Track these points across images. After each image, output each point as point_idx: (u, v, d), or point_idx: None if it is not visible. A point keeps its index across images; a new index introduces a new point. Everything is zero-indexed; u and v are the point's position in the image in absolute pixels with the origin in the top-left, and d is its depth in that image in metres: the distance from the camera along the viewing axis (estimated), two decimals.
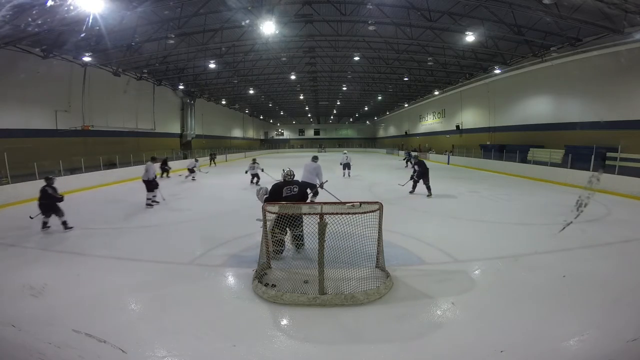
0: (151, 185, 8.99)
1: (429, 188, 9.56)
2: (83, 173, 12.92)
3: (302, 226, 4.38)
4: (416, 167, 10.00)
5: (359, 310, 3.31)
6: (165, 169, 15.28)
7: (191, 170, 15.30)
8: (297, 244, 4.64)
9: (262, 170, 12.92)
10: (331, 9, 13.01)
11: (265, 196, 4.81)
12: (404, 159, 22.06)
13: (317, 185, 7.65)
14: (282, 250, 4.59)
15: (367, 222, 3.73)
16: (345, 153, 15.90)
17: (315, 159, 8.33)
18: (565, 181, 11.85)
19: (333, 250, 3.68)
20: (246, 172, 13.25)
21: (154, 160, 9.76)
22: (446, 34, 14.86)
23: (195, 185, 13.42)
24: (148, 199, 8.99)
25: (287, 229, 4.39)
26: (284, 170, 5.06)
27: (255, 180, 12.88)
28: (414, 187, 10.01)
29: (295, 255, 4.58)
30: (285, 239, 4.61)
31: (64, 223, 6.35)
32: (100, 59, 15.73)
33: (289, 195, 4.74)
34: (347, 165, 15.34)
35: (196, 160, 15.91)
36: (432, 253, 4.90)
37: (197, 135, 28.64)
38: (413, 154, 21.33)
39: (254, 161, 13.11)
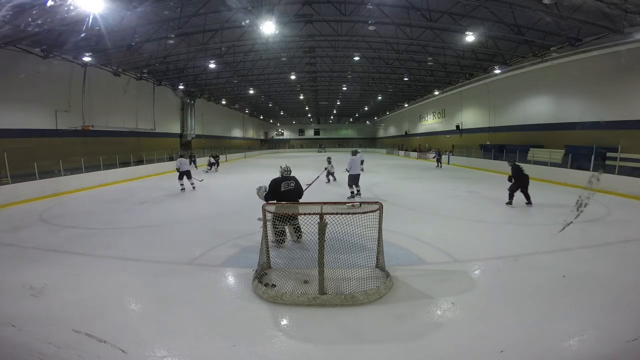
0: (189, 174, 11.49)
1: (527, 196, 7.98)
2: (83, 173, 12.91)
3: (297, 218, 4.79)
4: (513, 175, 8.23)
5: (359, 310, 3.31)
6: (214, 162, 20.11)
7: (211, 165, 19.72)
8: (296, 235, 5.01)
9: (332, 174, 13.01)
10: (331, 9, 13.01)
11: (265, 193, 5.12)
12: (433, 157, 21.99)
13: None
14: (284, 240, 4.95)
15: (367, 222, 3.73)
16: (359, 152, 17.36)
17: (355, 152, 9.67)
18: (565, 181, 11.85)
19: (333, 250, 3.69)
20: (325, 169, 13.24)
21: (182, 156, 12.19)
22: (446, 34, 14.86)
23: (198, 184, 13.42)
24: (192, 184, 11.69)
25: (286, 221, 4.73)
26: (281, 166, 5.39)
27: (330, 179, 13.00)
28: (511, 196, 8.17)
29: (295, 255, 4.59)
30: (286, 229, 4.97)
31: None
32: (100, 59, 15.73)
33: (286, 189, 5.11)
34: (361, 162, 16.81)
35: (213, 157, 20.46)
36: (432, 253, 4.90)
37: (197, 135, 28.63)
38: (442, 155, 21.48)
39: (329, 160, 13.23)
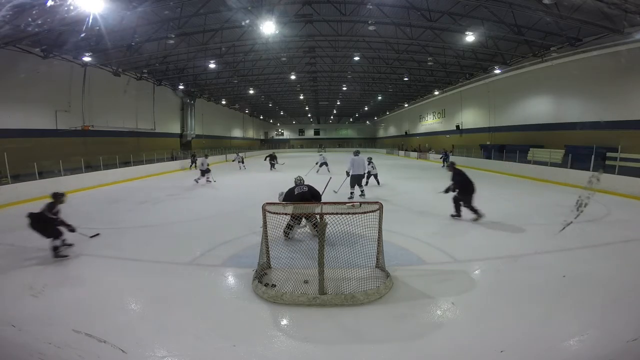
0: (206, 171, 13.41)
1: (473, 210, 6.59)
2: (83, 173, 12.91)
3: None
4: (455, 181, 6.70)
5: (359, 310, 3.31)
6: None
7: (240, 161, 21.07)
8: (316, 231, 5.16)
9: (375, 175, 12.17)
10: (331, 9, 13.01)
11: (282, 199, 5.66)
12: (440, 157, 21.68)
13: (365, 173, 9.56)
14: (289, 233, 5.15)
15: (367, 222, 3.73)
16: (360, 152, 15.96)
17: (357, 153, 9.40)
18: (565, 181, 11.84)
19: (333, 250, 3.68)
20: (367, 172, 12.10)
21: (206, 157, 14.09)
22: (446, 34, 14.86)
23: (198, 184, 13.42)
24: (200, 179, 13.45)
25: (304, 220, 4.93)
26: (295, 178, 6.06)
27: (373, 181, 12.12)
28: (458, 208, 6.80)
29: (295, 255, 4.59)
30: (296, 228, 5.28)
31: (55, 248, 4.87)
32: (100, 59, 15.73)
33: (300, 192, 5.54)
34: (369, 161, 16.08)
35: (237, 154, 21.83)
36: (432, 253, 4.90)
37: (197, 135, 28.63)
38: (449, 155, 20.99)
39: (370, 161, 12.08)
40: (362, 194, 9.41)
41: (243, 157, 21.95)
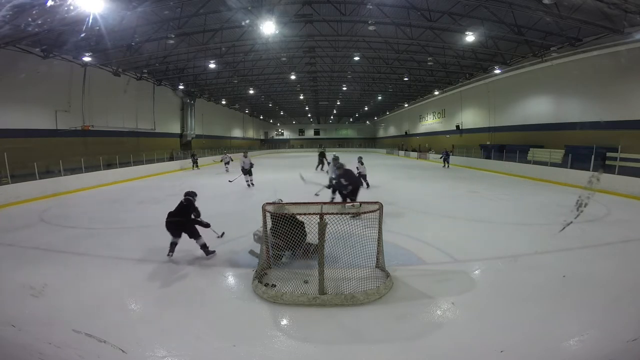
0: (246, 171, 12.40)
1: (353, 198, 6.90)
2: (83, 173, 12.92)
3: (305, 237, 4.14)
4: (342, 179, 6.86)
5: (359, 310, 3.31)
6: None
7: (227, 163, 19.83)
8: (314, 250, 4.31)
9: (364, 177, 11.45)
10: (331, 9, 13.01)
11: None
12: (441, 157, 21.19)
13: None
14: (281, 256, 4.40)
15: (367, 222, 3.73)
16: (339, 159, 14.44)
17: (337, 161, 9.07)
18: (565, 181, 11.85)
19: (333, 250, 3.68)
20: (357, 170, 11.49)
21: (245, 155, 12.84)
22: (446, 34, 14.86)
23: (199, 185, 13.42)
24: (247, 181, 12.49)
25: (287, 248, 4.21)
26: (274, 201, 5.07)
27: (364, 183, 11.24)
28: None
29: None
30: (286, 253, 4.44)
31: (204, 247, 4.86)
32: (100, 59, 15.73)
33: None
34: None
35: (225, 155, 20.64)
36: (432, 253, 4.91)
37: (197, 135, 28.62)
38: (450, 155, 20.06)
39: (361, 161, 11.94)
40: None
41: (231, 159, 20.41)
